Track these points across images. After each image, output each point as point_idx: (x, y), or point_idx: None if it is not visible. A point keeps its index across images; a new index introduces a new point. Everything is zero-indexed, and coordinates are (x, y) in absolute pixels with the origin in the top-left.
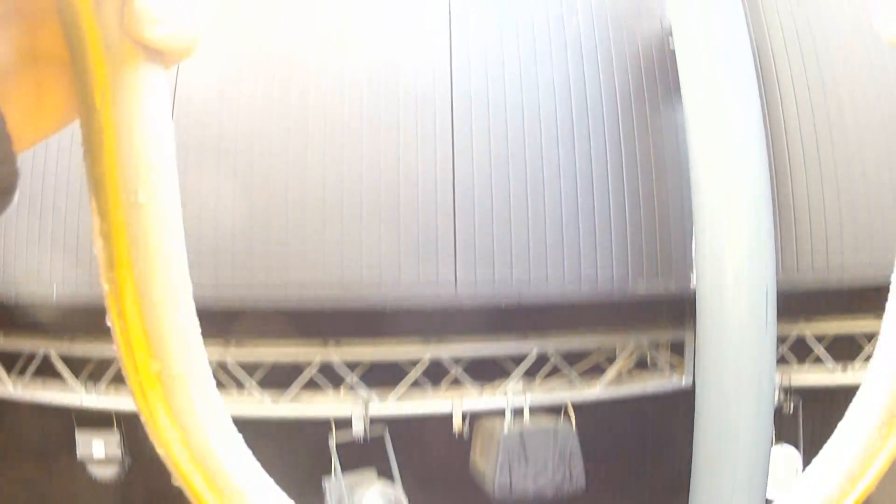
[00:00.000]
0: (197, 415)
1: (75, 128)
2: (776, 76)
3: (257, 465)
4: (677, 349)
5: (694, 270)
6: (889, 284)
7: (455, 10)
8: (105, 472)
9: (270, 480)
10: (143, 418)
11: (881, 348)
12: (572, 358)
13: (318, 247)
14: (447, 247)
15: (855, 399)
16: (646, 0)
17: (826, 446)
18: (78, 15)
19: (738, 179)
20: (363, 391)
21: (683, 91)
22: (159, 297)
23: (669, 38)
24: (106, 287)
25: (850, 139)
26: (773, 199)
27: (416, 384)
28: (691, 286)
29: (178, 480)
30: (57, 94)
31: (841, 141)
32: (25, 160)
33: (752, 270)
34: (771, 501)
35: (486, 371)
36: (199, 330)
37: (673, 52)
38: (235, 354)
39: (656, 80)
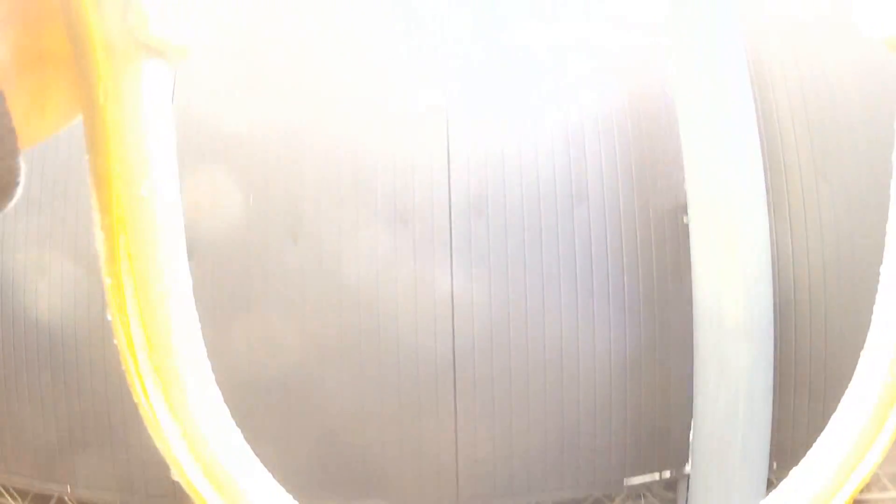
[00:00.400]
0: (195, 408)
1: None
2: (792, 261)
3: (254, 458)
4: (670, 484)
5: (690, 459)
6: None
7: (455, 213)
8: None
9: (267, 473)
10: (142, 412)
11: (870, 343)
12: None
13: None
14: (449, 463)
15: (847, 392)
16: (662, 174)
17: (821, 438)
18: (81, 15)
19: (742, 377)
20: None
21: (694, 271)
22: (160, 291)
23: (684, 214)
24: (107, 281)
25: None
26: (774, 402)
27: None
28: (685, 470)
29: (175, 474)
30: (60, 91)
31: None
32: None
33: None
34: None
35: None
36: (199, 325)
37: (686, 227)
38: None
39: (667, 256)
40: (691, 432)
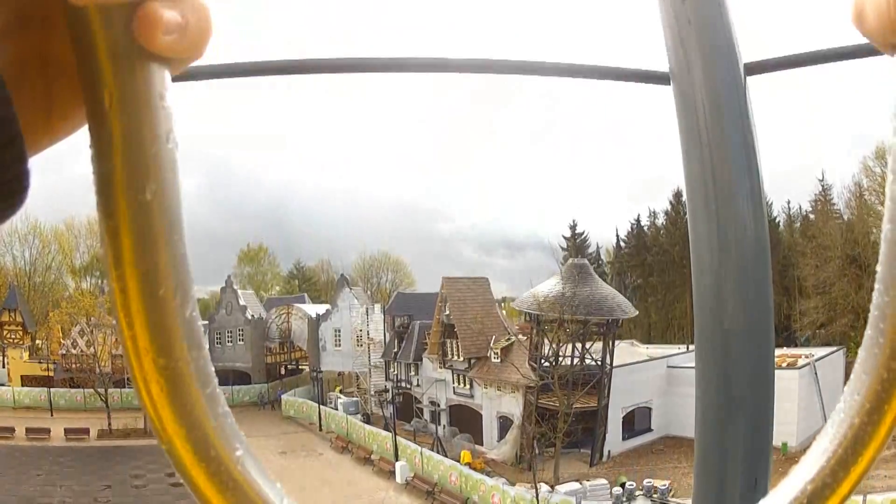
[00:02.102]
0: (199, 410)
1: None
2: None
3: (258, 461)
4: None
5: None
6: None
7: None
8: None
9: (271, 477)
10: (146, 414)
11: (866, 340)
12: None
13: None
14: None
15: (846, 388)
16: None
17: (820, 435)
18: (86, 21)
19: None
20: None
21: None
22: (165, 293)
23: None
24: (112, 285)
25: None
26: None
27: None
28: None
29: (180, 475)
30: (67, 97)
31: None
32: None
33: None
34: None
35: None
36: (202, 327)
37: None
38: None
39: None
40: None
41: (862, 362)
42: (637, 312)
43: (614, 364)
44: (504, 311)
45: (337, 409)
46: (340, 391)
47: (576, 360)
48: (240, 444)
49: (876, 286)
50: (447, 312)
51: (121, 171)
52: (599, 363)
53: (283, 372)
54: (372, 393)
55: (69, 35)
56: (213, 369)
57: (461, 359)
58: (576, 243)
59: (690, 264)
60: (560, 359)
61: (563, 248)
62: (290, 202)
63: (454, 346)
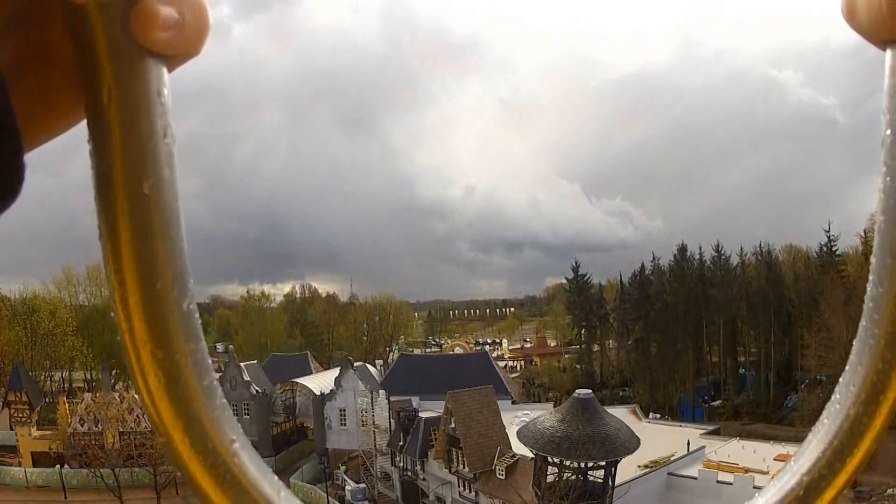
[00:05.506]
0: (197, 402)
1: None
2: None
3: (255, 453)
4: None
5: None
6: None
7: None
8: None
9: (268, 468)
10: (144, 407)
11: (861, 332)
12: None
13: None
14: None
15: (841, 379)
16: None
17: (816, 426)
18: (85, 17)
19: None
20: None
21: None
22: (163, 287)
23: None
24: (111, 279)
25: None
26: None
27: None
28: None
29: (177, 468)
30: (66, 92)
31: None
32: None
33: None
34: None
35: None
36: (200, 321)
37: None
38: None
39: None
40: None
41: (857, 353)
42: (640, 444)
43: (616, 484)
44: (502, 347)
45: (344, 495)
46: (346, 470)
47: (578, 479)
48: (237, 436)
49: (870, 277)
50: (452, 425)
51: (119, 165)
52: (601, 481)
53: (289, 432)
54: (378, 475)
55: (68, 31)
56: (210, 361)
57: (466, 469)
58: (578, 284)
59: (692, 322)
60: (562, 478)
61: (565, 290)
62: (288, 206)
63: (459, 456)
